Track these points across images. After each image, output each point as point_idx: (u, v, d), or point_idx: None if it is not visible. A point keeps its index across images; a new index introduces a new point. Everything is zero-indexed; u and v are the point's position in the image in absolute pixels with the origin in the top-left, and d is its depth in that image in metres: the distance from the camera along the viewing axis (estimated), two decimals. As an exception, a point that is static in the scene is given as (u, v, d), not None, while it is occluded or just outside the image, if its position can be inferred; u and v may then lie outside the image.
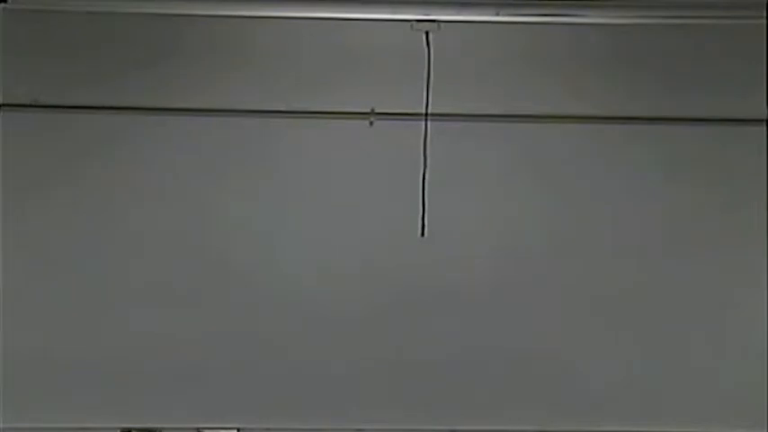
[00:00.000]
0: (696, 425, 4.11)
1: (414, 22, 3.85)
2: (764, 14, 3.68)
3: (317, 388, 4.09)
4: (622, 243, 4.16)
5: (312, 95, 4.15)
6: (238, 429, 4.09)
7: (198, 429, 4.08)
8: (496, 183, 4.17)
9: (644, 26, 4.03)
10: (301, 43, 4.16)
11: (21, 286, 4.06)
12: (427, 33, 3.97)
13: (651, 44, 4.18)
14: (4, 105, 4.10)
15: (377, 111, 4.14)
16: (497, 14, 3.72)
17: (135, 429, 4.07)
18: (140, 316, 4.07)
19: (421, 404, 4.11)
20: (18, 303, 4.04)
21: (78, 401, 4.05)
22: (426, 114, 4.08)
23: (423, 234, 4.07)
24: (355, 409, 4.10)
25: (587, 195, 4.18)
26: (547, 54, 4.19)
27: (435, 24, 3.86)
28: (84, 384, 4.05)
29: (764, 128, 4.16)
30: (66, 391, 4.05)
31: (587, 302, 4.14)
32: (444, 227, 4.09)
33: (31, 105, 4.11)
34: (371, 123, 4.14)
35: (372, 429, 4.10)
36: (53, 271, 4.08)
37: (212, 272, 4.10)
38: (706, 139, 4.18)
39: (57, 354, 4.05)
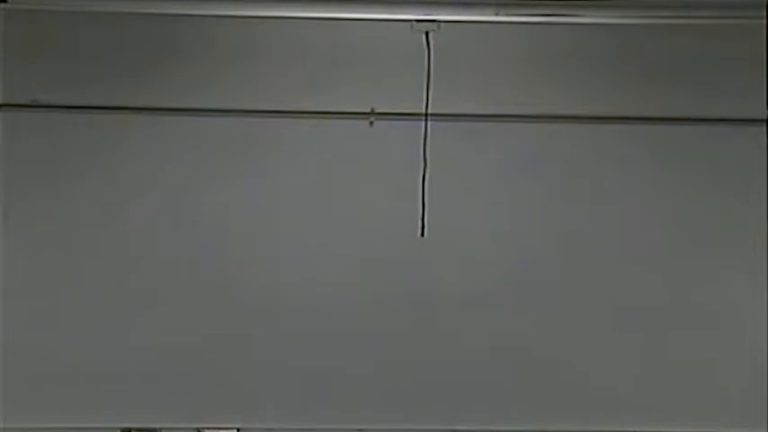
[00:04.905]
0: (696, 425, 4.11)
1: (414, 22, 3.84)
2: (764, 14, 3.68)
3: (317, 388, 4.09)
4: (622, 243, 4.16)
5: (312, 95, 4.15)
6: (238, 429, 4.09)
7: (198, 429, 4.08)
8: (496, 183, 4.17)
9: (644, 26, 4.03)
10: (301, 43, 4.16)
11: (21, 286, 4.06)
12: (427, 33, 3.96)
13: (651, 44, 4.18)
14: (4, 105, 4.10)
15: (377, 111, 4.14)
16: (497, 14, 3.71)
17: (135, 429, 4.07)
18: (140, 316, 4.08)
19: (421, 404, 4.11)
20: (18, 303, 4.05)
21: (78, 401, 4.05)
22: (426, 114, 4.08)
23: (423, 234, 4.07)
24: (355, 409, 4.10)
25: (587, 195, 4.18)
26: (547, 54, 4.19)
27: (435, 24, 3.85)
28: (84, 384, 4.05)
29: (764, 128, 4.16)
30: (66, 391, 4.05)
31: (587, 302, 4.14)
32: (444, 227, 4.09)
33: (31, 105, 4.11)
34: (371, 123, 4.14)
35: (372, 429, 4.10)
36: (53, 271, 4.08)
37: (212, 271, 4.10)
38: (706, 139, 4.18)
39: (57, 354, 4.05)
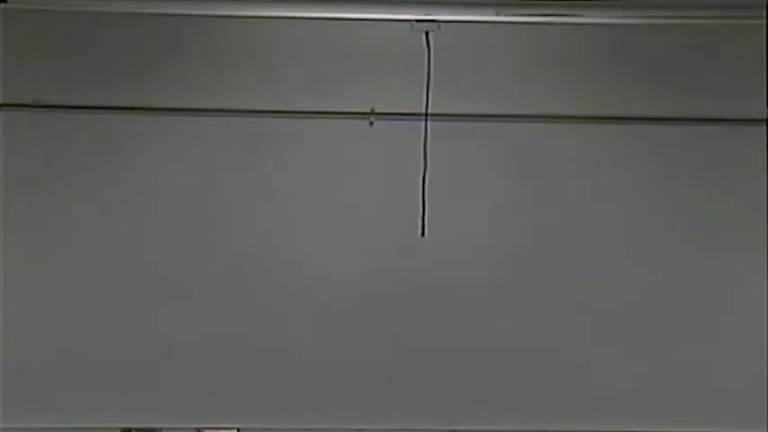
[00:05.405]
0: (696, 425, 4.11)
1: (414, 22, 3.85)
2: (764, 14, 3.68)
3: (318, 388, 4.09)
4: (622, 243, 4.16)
5: (312, 95, 4.15)
6: (238, 429, 4.09)
7: (198, 429, 4.08)
8: (496, 183, 4.16)
9: (644, 26, 4.03)
10: (301, 43, 4.16)
11: (21, 286, 4.06)
12: (427, 33, 3.96)
13: (651, 44, 4.18)
14: (4, 105, 4.10)
15: (377, 111, 4.14)
16: (497, 14, 3.71)
17: (135, 429, 4.07)
18: (140, 316, 4.08)
19: (421, 404, 4.11)
20: (18, 303, 4.05)
21: (78, 401, 4.05)
22: (426, 114, 4.08)
23: (423, 234, 4.07)
24: (355, 409, 4.10)
25: (587, 195, 4.18)
26: (547, 54, 4.19)
27: (435, 24, 3.85)
28: (84, 384, 4.06)
29: (764, 128, 4.16)
30: (66, 391, 4.05)
31: (587, 302, 4.14)
32: (444, 227, 4.09)
33: (31, 105, 4.11)
34: (371, 123, 4.14)
35: (372, 429, 4.10)
36: (53, 271, 4.08)
37: (212, 272, 4.10)
38: (706, 139, 4.18)
39: (57, 354, 4.05)
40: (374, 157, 4.15)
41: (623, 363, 4.13)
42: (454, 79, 4.11)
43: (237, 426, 4.09)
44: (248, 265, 4.11)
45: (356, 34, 4.14)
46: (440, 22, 3.84)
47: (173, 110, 4.13)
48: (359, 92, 4.15)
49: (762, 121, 4.16)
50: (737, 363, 4.13)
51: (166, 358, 4.07)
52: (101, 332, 4.07)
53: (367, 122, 4.14)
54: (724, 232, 4.17)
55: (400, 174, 4.10)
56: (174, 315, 4.08)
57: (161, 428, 4.08)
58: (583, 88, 4.19)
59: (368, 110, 4.14)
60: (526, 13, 3.73)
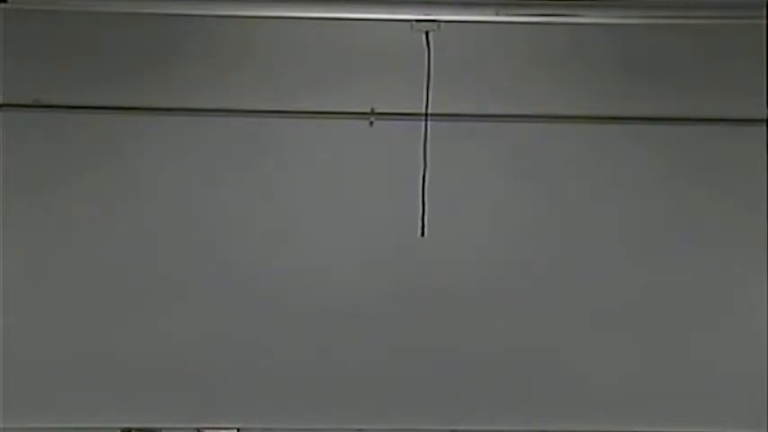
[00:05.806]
0: (696, 425, 4.11)
1: (414, 22, 3.85)
2: (764, 14, 3.68)
3: (317, 388, 4.09)
4: (622, 243, 4.16)
5: (312, 95, 4.15)
6: (238, 429, 4.09)
7: (198, 429, 4.08)
8: (496, 183, 4.17)
9: (644, 26, 4.03)
10: (301, 43, 4.16)
11: (21, 286, 4.06)
12: (427, 33, 3.97)
13: (651, 44, 4.18)
14: (4, 105, 4.10)
15: (377, 111, 4.14)
16: (497, 14, 3.72)
17: (135, 429, 4.07)
18: (140, 316, 4.08)
19: (421, 404, 4.11)
20: (18, 303, 4.05)
21: (78, 401, 4.05)
22: (426, 114, 4.08)
23: (423, 234, 4.07)
24: (355, 409, 4.10)
25: (587, 195, 4.18)
26: (547, 54, 4.19)
27: (435, 24, 3.86)
28: (84, 384, 4.06)
29: (764, 128, 4.16)
30: (66, 391, 4.05)
31: (587, 302, 4.14)
32: (444, 227, 4.09)
33: (31, 105, 4.11)
34: (371, 123, 4.14)
35: (372, 429, 4.10)
36: (53, 271, 4.08)
37: (212, 272, 4.10)
38: (706, 139, 4.18)
39: (57, 354, 4.05)
40: (374, 157, 4.15)
41: (623, 363, 4.13)
42: (454, 79, 4.11)
43: (237, 426, 4.09)
44: (248, 265, 4.11)
45: (356, 34, 4.14)
46: (440, 22, 3.84)
47: (173, 110, 4.14)
48: (359, 92, 4.15)
49: (762, 121, 4.16)
50: (737, 363, 4.13)
51: (166, 358, 4.07)
52: (101, 332, 4.07)
53: (367, 122, 4.14)
54: (724, 232, 4.17)
55: (400, 174, 4.10)
56: (174, 315, 4.08)
57: (161, 428, 4.08)
58: (583, 88, 4.19)
59: (368, 110, 4.14)
60: (526, 13, 3.73)
